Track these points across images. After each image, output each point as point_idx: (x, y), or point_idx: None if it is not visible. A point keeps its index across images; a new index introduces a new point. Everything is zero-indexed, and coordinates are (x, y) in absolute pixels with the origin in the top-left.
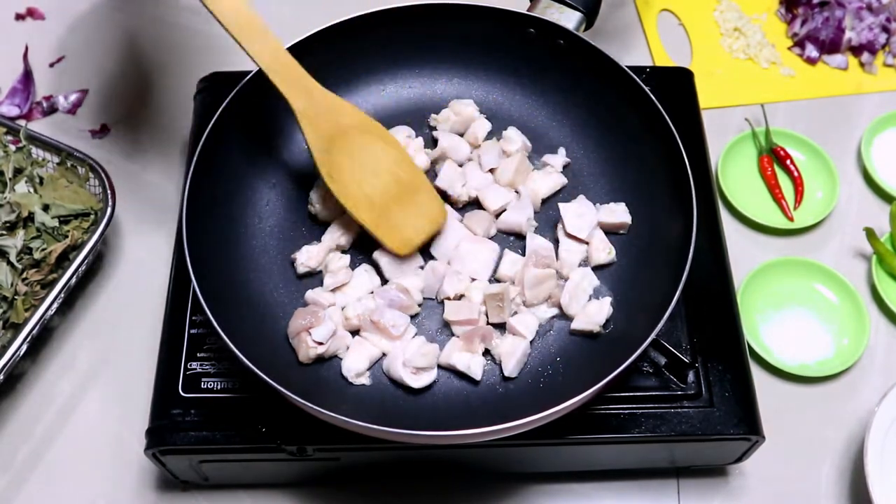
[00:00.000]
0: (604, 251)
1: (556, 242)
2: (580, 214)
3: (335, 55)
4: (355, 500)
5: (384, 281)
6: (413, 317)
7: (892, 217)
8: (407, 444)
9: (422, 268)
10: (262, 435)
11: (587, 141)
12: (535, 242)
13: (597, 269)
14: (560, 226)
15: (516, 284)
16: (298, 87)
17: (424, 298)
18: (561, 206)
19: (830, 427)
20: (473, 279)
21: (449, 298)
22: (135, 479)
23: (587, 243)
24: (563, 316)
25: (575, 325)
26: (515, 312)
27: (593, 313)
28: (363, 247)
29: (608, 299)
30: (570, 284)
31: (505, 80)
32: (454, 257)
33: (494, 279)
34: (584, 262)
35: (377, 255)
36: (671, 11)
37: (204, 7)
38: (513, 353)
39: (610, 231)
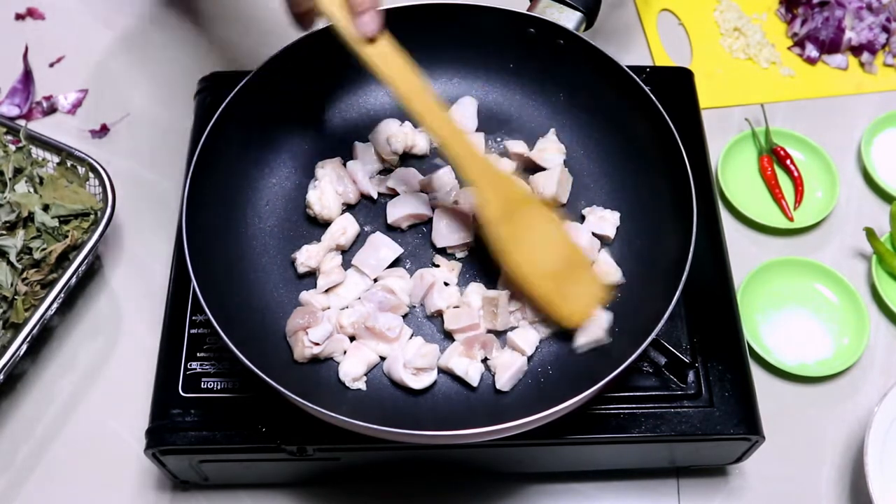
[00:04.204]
0: (610, 273)
1: None
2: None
3: (336, 55)
4: (355, 500)
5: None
6: (405, 316)
7: (892, 217)
8: (407, 444)
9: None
10: (262, 435)
11: (587, 141)
12: None
13: None
14: None
15: (517, 300)
16: (478, 161)
17: (412, 306)
18: None
19: (830, 427)
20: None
21: (441, 312)
22: (135, 479)
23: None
24: (563, 333)
25: (579, 343)
26: (515, 327)
27: (592, 323)
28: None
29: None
30: None
31: (505, 80)
32: (436, 234)
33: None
34: None
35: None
36: (671, 11)
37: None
38: (508, 368)
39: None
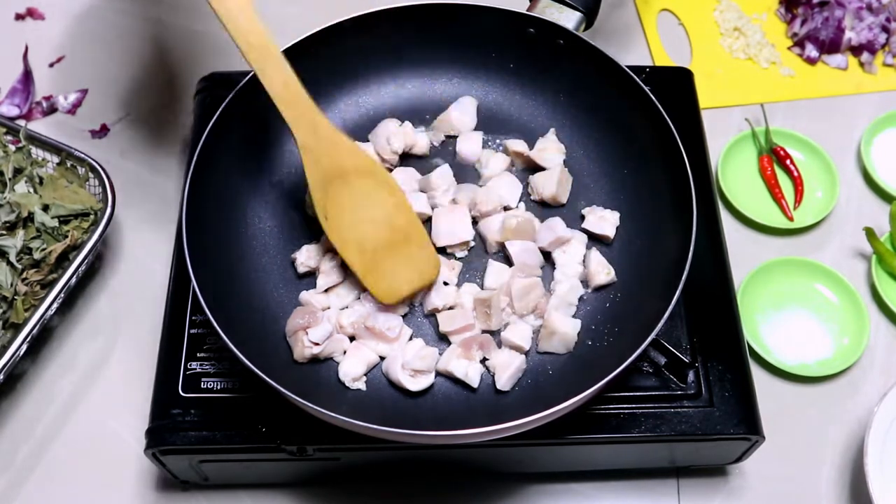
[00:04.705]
0: (602, 272)
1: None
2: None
3: (336, 55)
4: (355, 500)
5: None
6: (404, 316)
7: (891, 217)
8: (407, 444)
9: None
10: (262, 435)
11: (587, 141)
12: (518, 248)
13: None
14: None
15: (504, 295)
16: (305, 120)
17: (413, 305)
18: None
19: (830, 427)
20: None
21: (437, 310)
22: (135, 479)
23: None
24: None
25: (541, 346)
26: (508, 324)
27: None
28: None
29: (574, 321)
30: (555, 300)
31: (505, 80)
32: (435, 234)
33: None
34: (584, 282)
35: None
36: (671, 11)
37: (218, 20)
38: (507, 367)
39: (592, 239)
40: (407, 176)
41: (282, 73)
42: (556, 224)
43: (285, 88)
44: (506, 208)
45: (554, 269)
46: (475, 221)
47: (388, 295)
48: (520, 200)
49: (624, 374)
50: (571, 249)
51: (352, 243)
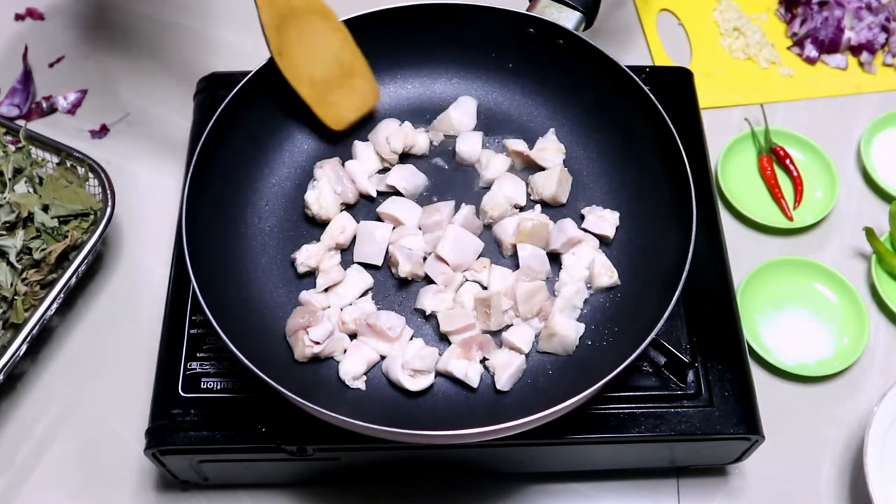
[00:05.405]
0: (605, 274)
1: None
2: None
3: None
4: (355, 500)
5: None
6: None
7: (891, 217)
8: (407, 444)
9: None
10: (262, 435)
11: (587, 141)
12: (528, 253)
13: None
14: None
15: (508, 298)
16: None
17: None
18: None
19: (830, 427)
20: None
21: (425, 313)
22: (135, 479)
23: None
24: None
25: (541, 347)
26: (510, 325)
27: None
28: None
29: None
30: (560, 302)
31: (505, 80)
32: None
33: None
34: (588, 283)
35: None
36: (671, 11)
37: None
38: (507, 367)
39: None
40: (406, 173)
41: None
42: (568, 225)
43: None
44: (517, 207)
45: (559, 270)
46: (488, 227)
47: (336, 121)
48: (528, 198)
49: (624, 374)
50: (581, 252)
51: (304, 77)
